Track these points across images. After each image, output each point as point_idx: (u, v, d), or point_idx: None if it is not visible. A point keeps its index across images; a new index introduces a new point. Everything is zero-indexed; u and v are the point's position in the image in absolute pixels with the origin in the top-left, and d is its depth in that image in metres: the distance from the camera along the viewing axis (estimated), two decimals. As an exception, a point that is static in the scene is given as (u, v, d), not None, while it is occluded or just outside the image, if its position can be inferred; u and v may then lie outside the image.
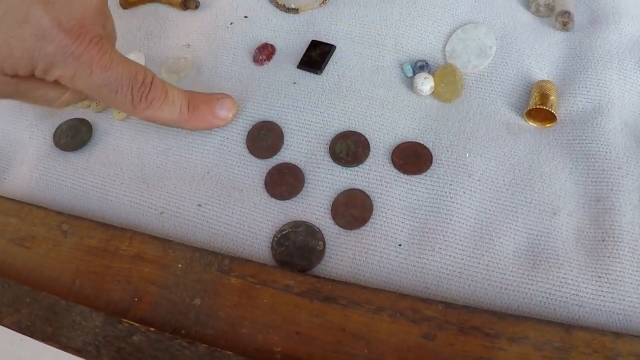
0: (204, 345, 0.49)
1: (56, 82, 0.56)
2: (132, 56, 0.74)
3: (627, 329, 0.50)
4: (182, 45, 0.75)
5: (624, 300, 0.51)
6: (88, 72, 0.54)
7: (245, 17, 0.75)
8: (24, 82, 0.56)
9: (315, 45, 0.70)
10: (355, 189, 0.60)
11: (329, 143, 0.63)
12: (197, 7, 0.78)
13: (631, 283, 0.52)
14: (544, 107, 0.61)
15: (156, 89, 0.58)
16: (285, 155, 0.63)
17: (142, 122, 0.68)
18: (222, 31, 0.75)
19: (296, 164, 0.62)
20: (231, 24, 0.75)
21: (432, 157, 0.60)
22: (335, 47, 0.69)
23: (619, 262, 0.53)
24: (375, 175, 0.60)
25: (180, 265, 0.55)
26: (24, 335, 0.53)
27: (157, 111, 0.59)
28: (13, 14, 0.51)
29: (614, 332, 0.48)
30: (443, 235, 0.56)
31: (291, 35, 0.73)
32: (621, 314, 0.51)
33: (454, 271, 0.55)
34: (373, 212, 0.58)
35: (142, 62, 0.74)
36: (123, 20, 0.80)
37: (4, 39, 0.52)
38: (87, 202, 0.65)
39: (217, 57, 0.72)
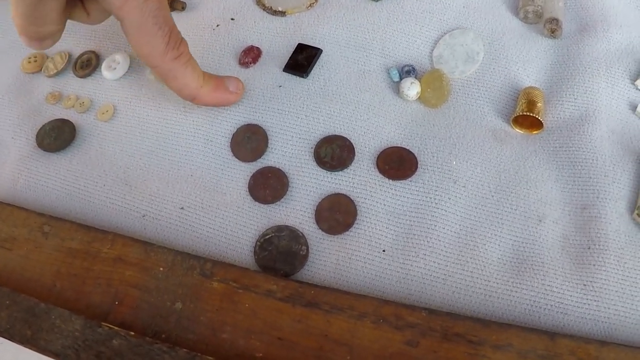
0: (185, 350, 0.49)
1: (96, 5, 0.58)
2: (118, 57, 0.73)
3: (612, 337, 0.51)
4: (167, 47, 0.75)
5: (609, 308, 0.51)
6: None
7: (232, 19, 0.75)
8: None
9: (301, 48, 0.70)
10: (340, 193, 0.60)
11: (314, 147, 0.63)
12: (183, 8, 0.78)
13: (616, 291, 0.52)
14: (531, 114, 0.61)
15: (185, 46, 0.60)
16: (270, 159, 0.63)
17: (125, 124, 0.68)
18: (209, 33, 0.75)
19: (280, 168, 0.62)
20: (217, 26, 0.75)
21: (417, 162, 0.60)
22: (321, 50, 0.69)
23: (604, 270, 0.53)
24: (360, 180, 0.60)
25: (162, 269, 0.55)
26: (3, 338, 0.53)
27: (182, 67, 0.60)
28: None
29: (598, 340, 0.48)
30: (427, 241, 0.56)
31: (278, 38, 0.73)
32: (606, 322, 0.51)
33: (438, 278, 0.55)
34: (357, 217, 0.58)
35: (127, 63, 0.74)
36: (109, 21, 0.78)
37: None
38: (70, 204, 0.64)
39: (203, 59, 0.72)
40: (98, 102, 0.71)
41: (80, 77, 0.74)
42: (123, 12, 0.55)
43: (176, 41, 0.58)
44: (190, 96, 0.62)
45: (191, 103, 0.64)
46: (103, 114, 0.68)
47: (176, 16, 0.77)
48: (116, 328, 0.51)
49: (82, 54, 0.76)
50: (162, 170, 0.64)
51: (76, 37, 0.79)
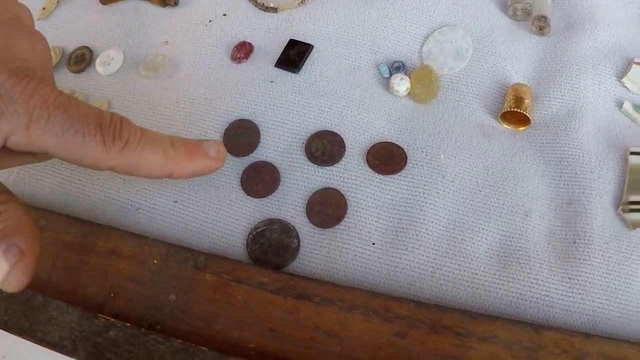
0: (179, 340, 0.49)
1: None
2: (111, 52, 0.74)
3: (596, 330, 0.51)
4: (160, 42, 0.76)
5: (593, 301, 0.52)
6: (46, 115, 0.44)
7: (224, 15, 0.76)
8: None
9: (293, 44, 0.70)
10: (330, 188, 0.60)
11: (305, 142, 0.63)
12: (176, 4, 0.78)
13: (601, 285, 0.53)
14: (519, 110, 0.62)
15: (129, 126, 0.48)
16: (262, 153, 0.64)
17: None
18: (201, 29, 0.75)
19: (272, 162, 0.63)
20: (210, 21, 0.75)
21: (406, 157, 0.61)
22: (312, 46, 0.70)
23: (589, 264, 0.53)
24: (350, 175, 0.61)
25: (156, 262, 0.56)
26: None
27: (137, 152, 0.48)
28: None
29: (583, 333, 0.49)
30: (416, 234, 0.57)
31: (269, 34, 0.73)
32: (590, 315, 0.52)
33: (427, 270, 0.55)
34: (347, 211, 0.59)
35: (120, 58, 0.74)
36: (102, 17, 0.80)
37: None
38: (64, 198, 0.65)
39: (195, 55, 0.73)
40: (92, 97, 0.71)
41: (74, 72, 0.74)
42: (36, 145, 0.45)
43: (113, 132, 0.47)
44: (164, 174, 0.50)
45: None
46: (100, 106, 0.69)
47: (169, 11, 0.78)
48: (112, 320, 0.51)
49: (76, 50, 0.77)
50: (156, 165, 0.64)
51: (69, 33, 0.80)
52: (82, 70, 0.75)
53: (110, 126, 0.47)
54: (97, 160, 0.47)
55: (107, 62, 0.74)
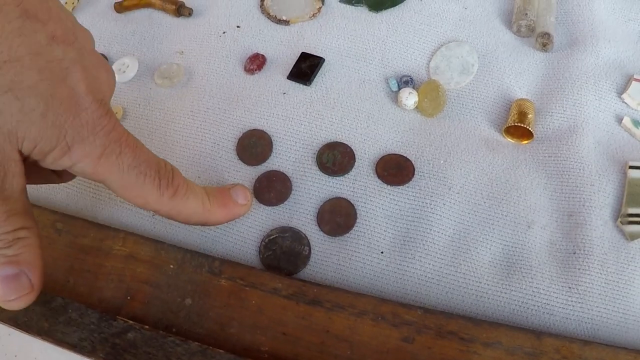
0: (196, 343, 0.50)
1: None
2: (127, 60, 0.75)
3: (594, 337, 0.53)
4: (175, 52, 0.76)
5: (592, 310, 0.53)
6: (118, 151, 0.48)
7: (238, 26, 0.77)
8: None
9: (305, 57, 0.71)
10: (341, 197, 0.61)
11: (316, 153, 0.64)
12: (190, 14, 0.79)
13: (599, 294, 0.54)
14: (522, 125, 0.63)
15: (179, 176, 0.53)
16: (274, 163, 0.65)
17: (134, 126, 0.69)
18: (215, 39, 0.76)
19: (284, 172, 0.64)
20: (224, 32, 0.76)
21: (414, 169, 0.62)
22: (324, 59, 0.71)
23: (588, 274, 0.55)
24: (359, 185, 0.62)
25: (172, 266, 0.56)
26: (13, 329, 0.54)
27: (183, 200, 0.53)
28: (53, 69, 0.45)
29: (582, 340, 0.50)
30: (423, 244, 0.58)
31: (282, 47, 0.74)
32: (589, 322, 0.53)
33: (433, 278, 0.57)
34: (357, 220, 0.60)
35: (135, 66, 0.75)
36: (117, 25, 0.81)
37: (44, 96, 0.44)
38: (81, 203, 0.65)
39: (210, 65, 0.74)
40: (108, 103, 0.72)
41: (90, 79, 0.75)
42: (99, 176, 0.48)
43: (167, 179, 0.52)
44: (199, 223, 0.56)
45: (198, 115, 0.60)
46: (115, 113, 0.69)
47: (183, 22, 0.79)
48: (131, 322, 0.52)
49: None
50: (171, 172, 0.65)
51: (85, 40, 0.81)
52: (97, 77, 0.75)
53: (166, 173, 0.52)
54: (149, 202, 0.52)
55: (123, 70, 0.74)
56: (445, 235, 0.59)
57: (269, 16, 0.77)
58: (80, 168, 0.47)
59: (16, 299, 0.47)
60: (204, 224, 0.57)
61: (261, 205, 0.62)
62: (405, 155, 0.63)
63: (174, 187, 0.52)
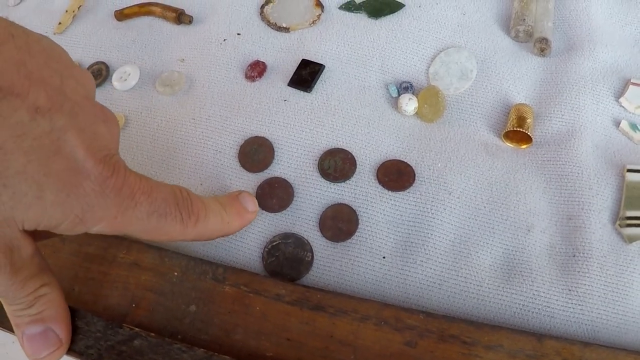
0: (202, 349, 0.50)
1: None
2: (128, 68, 0.75)
3: (594, 339, 0.53)
4: (176, 59, 0.77)
5: (592, 312, 0.54)
6: (133, 205, 0.46)
7: (238, 34, 0.77)
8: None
9: (305, 64, 0.71)
10: (342, 203, 0.62)
11: (318, 159, 0.65)
12: (190, 22, 0.80)
13: (599, 296, 0.54)
14: (521, 130, 0.63)
15: (196, 200, 0.51)
16: (276, 169, 0.65)
17: (136, 134, 0.70)
18: (215, 47, 0.76)
19: (286, 179, 0.64)
20: (224, 40, 0.77)
21: (414, 174, 0.62)
22: (324, 66, 0.71)
23: (587, 277, 0.55)
24: (361, 191, 0.62)
25: (176, 274, 0.57)
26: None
27: (204, 223, 0.51)
28: (42, 145, 0.42)
29: (582, 342, 0.50)
30: (424, 248, 0.58)
31: (282, 54, 0.75)
32: (589, 324, 0.54)
33: (435, 283, 0.57)
34: (359, 226, 0.60)
35: (137, 74, 0.75)
36: (118, 32, 0.81)
37: (35, 178, 0.41)
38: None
39: (210, 72, 0.74)
40: (109, 112, 0.73)
41: (92, 87, 0.76)
42: (120, 232, 0.47)
43: (187, 208, 0.50)
44: (220, 236, 0.56)
45: (198, 113, 0.59)
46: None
47: (183, 29, 0.79)
48: (137, 329, 0.52)
49: (92, 65, 0.78)
50: (173, 180, 0.65)
51: (85, 48, 0.81)
52: (99, 85, 0.75)
53: (184, 203, 0.50)
54: (175, 236, 0.50)
55: (124, 78, 0.75)
56: (446, 239, 0.59)
57: (269, 23, 0.77)
58: (98, 230, 0.46)
59: (46, 356, 0.48)
60: (223, 236, 0.56)
61: (263, 211, 0.62)
62: (405, 160, 0.64)
63: (195, 214, 0.50)
